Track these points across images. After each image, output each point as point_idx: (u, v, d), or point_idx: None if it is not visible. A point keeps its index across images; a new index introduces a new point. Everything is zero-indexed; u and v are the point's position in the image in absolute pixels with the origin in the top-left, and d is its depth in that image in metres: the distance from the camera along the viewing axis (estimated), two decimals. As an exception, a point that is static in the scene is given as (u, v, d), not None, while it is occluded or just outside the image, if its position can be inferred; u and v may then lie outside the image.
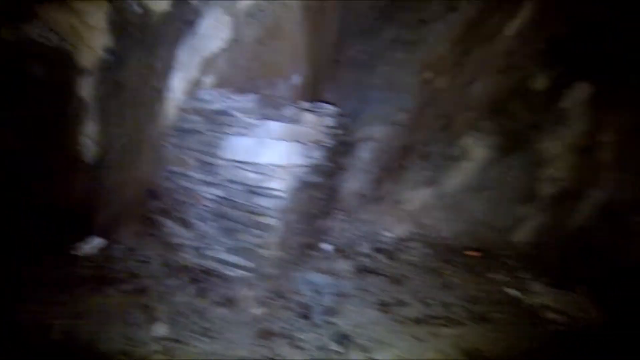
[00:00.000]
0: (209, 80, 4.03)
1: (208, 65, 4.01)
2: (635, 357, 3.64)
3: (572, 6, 4.79)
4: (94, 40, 3.87)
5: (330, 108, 4.33)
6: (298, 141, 4.06)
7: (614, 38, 4.94)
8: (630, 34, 4.90)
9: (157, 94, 4.00)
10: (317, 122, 4.24)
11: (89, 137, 3.99)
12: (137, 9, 3.80)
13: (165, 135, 4.04)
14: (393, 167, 5.13)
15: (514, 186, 5.40)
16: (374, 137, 4.90)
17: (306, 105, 4.17)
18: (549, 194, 5.44)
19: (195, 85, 4.01)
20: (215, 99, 4.03)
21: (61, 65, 3.81)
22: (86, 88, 3.93)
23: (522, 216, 5.48)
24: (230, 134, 4.03)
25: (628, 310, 4.18)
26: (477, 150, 5.37)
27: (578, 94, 5.29)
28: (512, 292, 4.48)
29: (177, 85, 4.00)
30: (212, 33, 3.99)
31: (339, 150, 4.63)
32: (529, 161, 5.41)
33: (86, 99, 3.94)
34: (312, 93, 4.34)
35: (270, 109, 4.07)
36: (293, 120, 4.09)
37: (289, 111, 4.09)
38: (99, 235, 4.02)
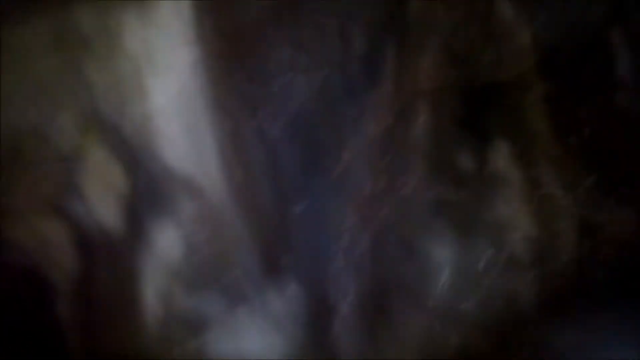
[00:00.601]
0: (175, 286, 4.14)
1: (170, 272, 4.14)
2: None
3: (458, 89, 5.28)
4: (61, 259, 3.96)
5: (292, 276, 4.42)
6: (272, 323, 4.12)
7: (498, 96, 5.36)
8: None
9: (132, 306, 4.06)
10: (284, 298, 4.32)
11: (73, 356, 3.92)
12: (93, 225, 4.01)
13: (148, 346, 4.04)
14: (377, 307, 5.01)
15: (487, 264, 5.12)
16: (349, 292, 4.83)
17: (268, 282, 4.27)
18: (526, 253, 5.14)
19: (164, 293, 4.11)
20: (185, 302, 4.11)
21: (34, 287, 3.86)
22: (61, 308, 3.94)
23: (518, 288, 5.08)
24: (208, 335, 4.08)
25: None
26: (435, 250, 5.12)
27: (500, 153, 5.35)
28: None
29: (149, 295, 4.08)
30: (166, 243, 4.18)
31: (318, 316, 4.61)
32: (491, 237, 5.08)
33: (62, 319, 3.94)
34: (270, 269, 4.45)
35: (236, 299, 4.17)
36: (261, 304, 4.18)
37: (253, 296, 4.19)
38: None
